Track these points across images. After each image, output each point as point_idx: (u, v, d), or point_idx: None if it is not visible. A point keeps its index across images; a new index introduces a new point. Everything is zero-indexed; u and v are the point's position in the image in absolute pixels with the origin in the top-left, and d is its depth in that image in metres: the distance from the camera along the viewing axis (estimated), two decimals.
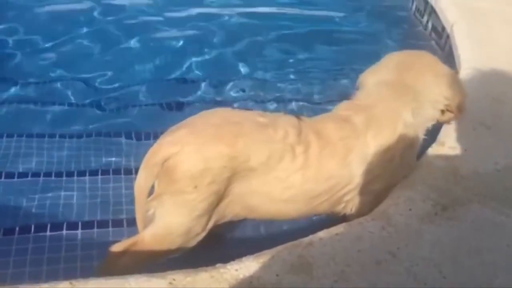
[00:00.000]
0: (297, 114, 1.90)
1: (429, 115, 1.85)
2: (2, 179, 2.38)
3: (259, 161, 1.66)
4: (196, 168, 1.61)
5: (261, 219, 1.99)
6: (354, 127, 1.77)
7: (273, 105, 3.16)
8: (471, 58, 2.60)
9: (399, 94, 1.84)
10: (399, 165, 1.80)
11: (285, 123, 1.74)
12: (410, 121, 1.80)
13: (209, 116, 1.77)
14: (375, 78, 1.93)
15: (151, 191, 1.70)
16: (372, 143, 1.76)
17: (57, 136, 2.69)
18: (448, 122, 1.97)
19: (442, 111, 1.86)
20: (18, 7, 3.85)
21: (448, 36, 3.17)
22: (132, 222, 1.95)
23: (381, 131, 1.77)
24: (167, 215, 1.68)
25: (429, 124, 1.87)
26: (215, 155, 1.62)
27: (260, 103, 3.18)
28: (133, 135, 2.78)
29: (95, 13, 3.92)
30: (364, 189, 1.78)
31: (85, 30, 3.70)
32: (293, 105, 3.18)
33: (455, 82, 1.92)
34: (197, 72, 3.41)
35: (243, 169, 1.65)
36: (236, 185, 1.68)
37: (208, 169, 1.61)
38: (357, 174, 1.75)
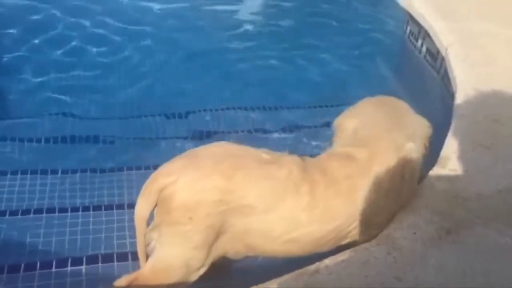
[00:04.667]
0: (301, 154, 1.88)
1: (420, 148, 1.87)
2: (7, 217, 2.40)
3: (258, 197, 1.63)
4: (190, 199, 1.60)
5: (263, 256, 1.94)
6: (358, 164, 1.76)
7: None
8: (467, 80, 2.63)
9: (393, 128, 1.86)
10: (402, 195, 1.81)
11: (289, 162, 1.72)
12: (410, 150, 1.81)
13: (211, 149, 1.77)
14: (356, 120, 1.93)
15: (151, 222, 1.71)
16: (377, 177, 1.74)
17: (60, 172, 2.72)
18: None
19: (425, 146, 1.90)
20: None
21: (443, 59, 3.21)
22: (136, 256, 1.96)
23: (385, 165, 1.76)
24: (164, 247, 1.67)
25: (421, 157, 1.87)
26: (210, 187, 1.60)
27: None
28: (133, 168, 2.81)
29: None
30: (369, 223, 1.76)
31: (78, 63, 3.74)
32: None
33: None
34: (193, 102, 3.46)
35: (241, 205, 1.62)
36: (235, 221, 1.65)
37: (202, 201, 1.60)
38: (364, 210, 1.73)
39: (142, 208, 1.68)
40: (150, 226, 1.69)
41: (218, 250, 1.71)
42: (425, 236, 1.69)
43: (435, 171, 2.00)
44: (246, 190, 1.63)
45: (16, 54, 3.71)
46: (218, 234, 1.66)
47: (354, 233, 1.77)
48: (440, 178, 1.96)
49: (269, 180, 1.66)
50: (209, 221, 1.62)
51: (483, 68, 2.75)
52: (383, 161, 1.76)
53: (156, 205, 1.67)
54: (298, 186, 1.66)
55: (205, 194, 1.61)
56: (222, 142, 1.83)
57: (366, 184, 1.73)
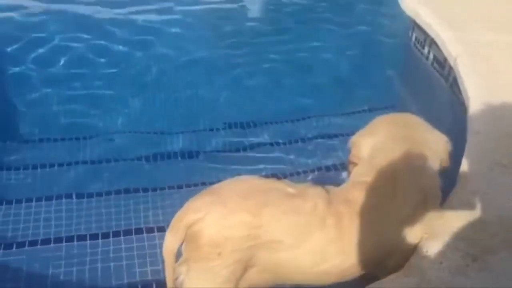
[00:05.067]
0: (323, 185, 1.89)
1: (437, 165, 1.88)
2: (26, 248, 2.40)
3: (285, 232, 1.66)
4: (219, 235, 1.63)
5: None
6: (381, 193, 1.77)
7: None
8: (478, 94, 2.63)
9: (411, 148, 1.86)
10: (426, 216, 1.81)
11: (314, 195, 1.73)
12: (428, 170, 1.83)
13: (236, 184, 1.79)
14: (373, 139, 1.93)
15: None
16: (401, 203, 1.76)
17: (74, 197, 2.72)
18: None
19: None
20: None
21: (451, 67, 3.21)
22: (161, 285, 1.97)
23: (407, 189, 1.78)
24: (193, 281, 1.69)
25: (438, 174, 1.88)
26: (237, 224, 1.64)
27: None
28: (149, 190, 2.81)
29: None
30: (395, 250, 1.79)
31: (93, 80, 3.72)
32: None
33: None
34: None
35: (269, 240, 1.65)
36: (263, 255, 1.67)
37: (230, 237, 1.63)
38: (391, 238, 1.76)
39: (170, 244, 1.70)
40: (179, 261, 1.71)
41: (246, 282, 1.73)
42: (452, 264, 1.70)
43: (456, 193, 2.00)
44: (273, 226, 1.66)
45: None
46: (246, 268, 1.69)
47: (378, 261, 1.79)
48: (461, 200, 1.96)
49: (295, 215, 1.68)
50: (237, 256, 1.65)
51: (494, 80, 2.74)
52: (405, 187, 1.77)
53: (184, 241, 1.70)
54: (324, 220, 1.68)
55: (233, 230, 1.63)
56: (245, 177, 1.88)
57: (391, 211, 1.75)
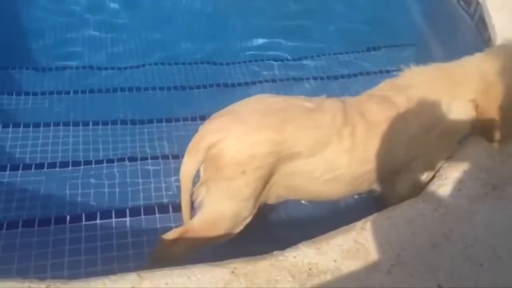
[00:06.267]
0: (340, 96, 1.91)
1: (468, 107, 1.83)
2: (45, 169, 2.43)
3: (306, 146, 1.69)
4: (242, 154, 1.64)
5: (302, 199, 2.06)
6: (397, 107, 1.79)
7: None
8: (506, 29, 2.55)
9: (442, 79, 1.84)
10: (439, 147, 1.82)
11: (332, 107, 1.76)
12: (450, 105, 1.80)
13: (253, 103, 1.78)
14: (421, 68, 1.91)
15: (196, 179, 1.74)
16: (414, 123, 1.78)
17: (90, 123, 2.73)
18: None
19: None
20: None
21: (477, 3, 3.09)
22: (176, 208, 2.01)
23: (421, 112, 1.78)
24: (215, 201, 1.72)
25: (469, 119, 1.84)
26: (261, 141, 1.65)
27: None
28: (163, 120, 2.81)
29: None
30: (404, 167, 1.82)
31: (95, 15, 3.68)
32: None
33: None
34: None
35: (289, 154, 1.68)
36: (280, 168, 1.71)
37: (254, 155, 1.64)
38: (400, 154, 1.79)
39: (189, 166, 1.71)
40: (198, 184, 1.73)
41: (263, 196, 1.77)
42: (471, 192, 1.70)
43: None
44: (295, 141, 1.68)
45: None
46: (266, 183, 1.72)
47: (389, 176, 1.84)
48: None
49: (315, 129, 1.71)
50: (260, 173, 1.67)
51: None
52: (419, 108, 1.78)
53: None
54: (340, 130, 1.72)
55: (257, 147, 1.64)
56: (261, 96, 1.84)
57: (403, 127, 1.77)
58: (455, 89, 1.82)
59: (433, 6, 3.67)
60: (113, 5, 3.76)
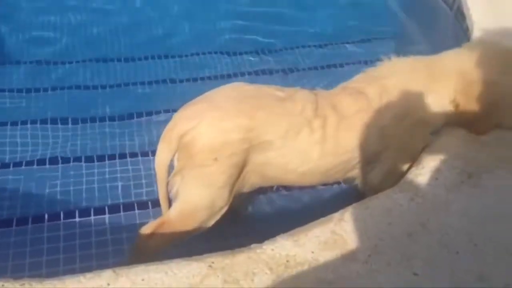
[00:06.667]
0: (312, 88, 1.91)
1: (444, 102, 1.84)
2: (23, 167, 2.40)
3: (277, 134, 1.69)
4: (215, 140, 1.64)
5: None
6: (369, 99, 1.80)
7: None
8: (482, 20, 2.57)
9: (418, 71, 1.85)
10: (411, 138, 1.83)
11: (303, 97, 1.77)
12: (424, 97, 1.81)
13: (227, 90, 1.78)
14: (399, 60, 1.91)
15: (171, 169, 1.72)
16: (386, 113, 1.78)
17: (70, 122, 2.69)
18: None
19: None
20: None
21: None
22: (156, 203, 1.99)
23: (394, 102, 1.79)
24: (190, 190, 1.71)
25: (444, 112, 1.83)
26: (234, 127, 1.65)
27: None
28: (143, 115, 2.78)
29: None
30: (376, 157, 1.83)
31: (83, 11, 3.63)
32: None
33: None
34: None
35: (261, 141, 1.68)
36: (253, 156, 1.70)
37: (227, 141, 1.64)
38: (372, 144, 1.80)
39: (163, 155, 1.70)
40: (173, 172, 1.71)
41: (238, 185, 1.76)
42: (447, 181, 1.71)
43: None
44: (266, 128, 1.68)
45: None
46: (240, 171, 1.71)
47: (360, 168, 1.85)
48: None
49: (286, 117, 1.71)
50: (234, 159, 1.67)
51: (499, 5, 2.67)
52: (391, 99, 1.79)
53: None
54: (310, 122, 1.72)
55: (230, 134, 1.64)
56: (235, 83, 1.85)
57: (374, 119, 1.77)
58: (431, 82, 1.82)
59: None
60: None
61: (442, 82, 1.82)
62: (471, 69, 1.80)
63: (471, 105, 1.80)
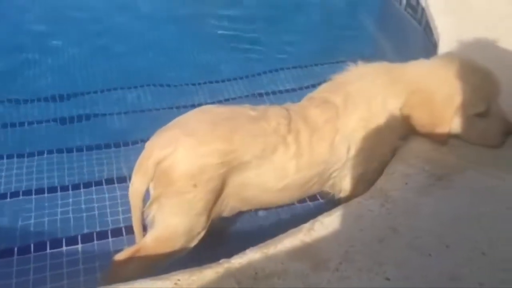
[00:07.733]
0: (282, 104, 1.91)
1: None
2: None
3: (253, 154, 1.68)
4: (193, 166, 1.62)
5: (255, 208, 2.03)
6: (335, 107, 1.81)
7: None
8: (448, 30, 2.61)
9: (378, 75, 1.86)
10: (377, 142, 1.82)
11: (275, 114, 1.77)
12: (385, 103, 1.81)
13: (200, 114, 1.77)
14: (364, 65, 1.93)
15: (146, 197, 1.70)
16: (351, 120, 1.79)
17: (45, 153, 2.68)
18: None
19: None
20: None
21: (423, 10, 3.19)
22: (130, 230, 1.94)
23: (357, 108, 1.80)
24: (168, 217, 1.68)
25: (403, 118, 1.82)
26: (212, 152, 1.63)
27: None
28: (121, 143, 2.77)
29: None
30: (347, 164, 1.82)
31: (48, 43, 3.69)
32: None
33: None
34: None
35: (239, 163, 1.67)
36: (231, 178, 1.69)
37: (205, 166, 1.62)
38: (343, 152, 1.80)
39: (138, 185, 1.67)
40: (149, 201, 1.69)
41: (216, 210, 1.74)
42: (417, 184, 1.69)
43: None
44: (244, 149, 1.67)
45: None
46: (218, 195, 1.69)
47: (336, 175, 1.84)
48: None
49: (261, 137, 1.71)
50: (212, 184, 1.65)
51: (462, 15, 2.73)
52: (354, 105, 1.80)
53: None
54: (285, 137, 1.73)
55: (207, 158, 1.63)
56: (204, 107, 1.85)
57: (342, 126, 1.78)
58: (390, 87, 1.82)
59: (383, 16, 3.78)
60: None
61: (397, 88, 1.82)
62: (417, 79, 1.82)
63: (417, 113, 1.79)
